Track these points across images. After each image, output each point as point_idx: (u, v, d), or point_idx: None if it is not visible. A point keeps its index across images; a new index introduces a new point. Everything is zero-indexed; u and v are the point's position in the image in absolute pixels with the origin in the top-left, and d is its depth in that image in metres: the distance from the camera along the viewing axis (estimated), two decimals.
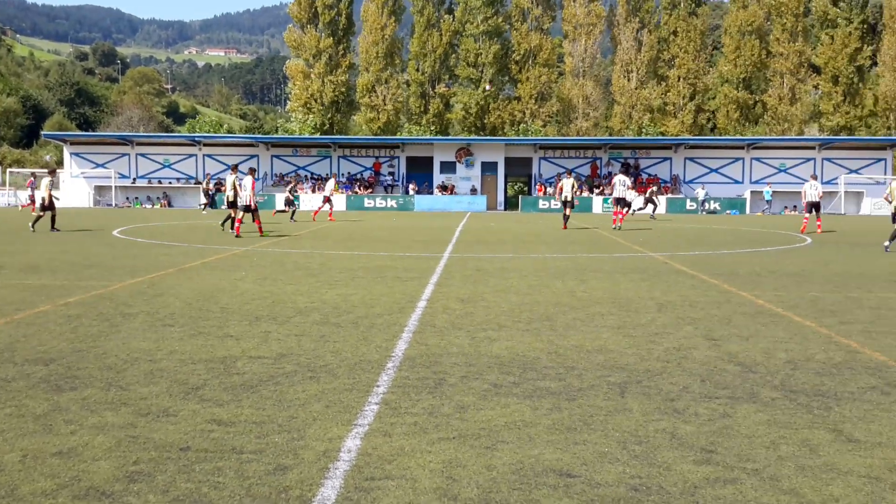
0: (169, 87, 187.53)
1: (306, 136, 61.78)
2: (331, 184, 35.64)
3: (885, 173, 54.28)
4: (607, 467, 4.29)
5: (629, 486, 4.01)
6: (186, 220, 34.45)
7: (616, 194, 29.82)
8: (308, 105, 67.73)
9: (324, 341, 7.60)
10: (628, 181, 30.77)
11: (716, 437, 4.81)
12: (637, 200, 40.58)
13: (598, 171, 55.56)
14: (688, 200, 51.86)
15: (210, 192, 45.00)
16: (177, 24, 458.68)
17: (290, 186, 37.06)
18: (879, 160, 54.67)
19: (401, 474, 4.17)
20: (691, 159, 55.55)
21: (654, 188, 43.03)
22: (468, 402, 5.57)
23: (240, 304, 9.82)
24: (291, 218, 34.22)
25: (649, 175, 55.21)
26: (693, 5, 70.11)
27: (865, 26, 68.08)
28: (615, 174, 39.74)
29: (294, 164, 56.84)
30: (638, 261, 16.28)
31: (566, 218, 29.20)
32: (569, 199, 28.78)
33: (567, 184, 28.91)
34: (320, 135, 63.89)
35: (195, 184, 55.37)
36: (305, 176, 56.02)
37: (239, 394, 5.73)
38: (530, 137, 60.90)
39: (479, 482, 4.06)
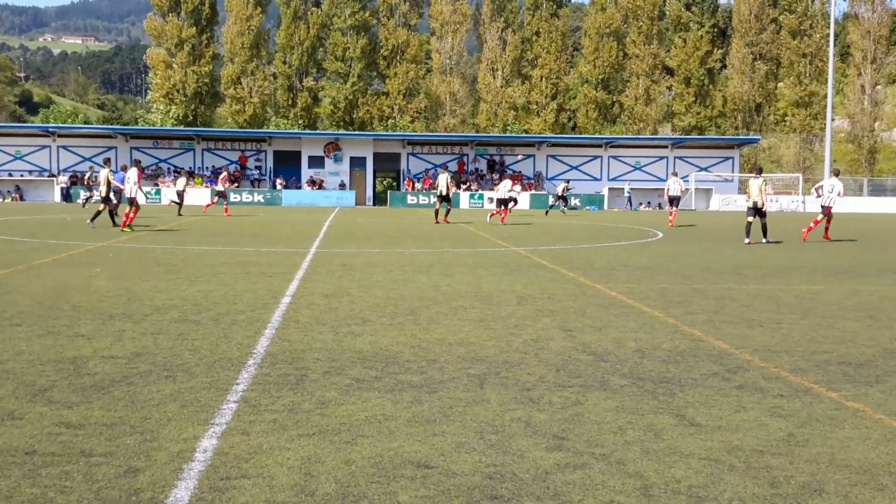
0: (22, 75, 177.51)
1: (168, 127, 59.75)
2: (221, 176, 36.42)
3: (733, 171, 57.41)
4: (464, 457, 4.38)
5: (484, 475, 4.12)
6: (44, 214, 32.70)
7: (498, 195, 31.35)
8: (170, 96, 65.50)
9: (182, 339, 7.41)
10: (510, 183, 32.37)
11: (567, 425, 4.99)
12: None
13: (466, 168, 56.27)
14: (549, 196, 53.23)
15: (92, 185, 42.85)
16: (31, 10, 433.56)
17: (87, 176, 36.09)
18: (727, 158, 57.75)
19: (258, 473, 4.14)
20: (553, 157, 57.07)
21: (567, 184, 44.43)
22: (330, 397, 5.57)
23: (93, 303, 9.43)
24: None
25: (514, 172, 56.37)
26: (554, 7, 71.95)
27: (716, 30, 71.76)
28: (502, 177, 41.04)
29: (155, 157, 54.83)
30: (501, 255, 16.63)
31: (437, 213, 29.96)
32: (443, 193, 29.67)
33: (442, 179, 29.89)
34: (183, 126, 61.94)
35: (49, 176, 52.69)
36: (168, 169, 54.19)
37: (89, 395, 5.53)
38: (399, 133, 61.05)
39: (338, 477, 4.08)
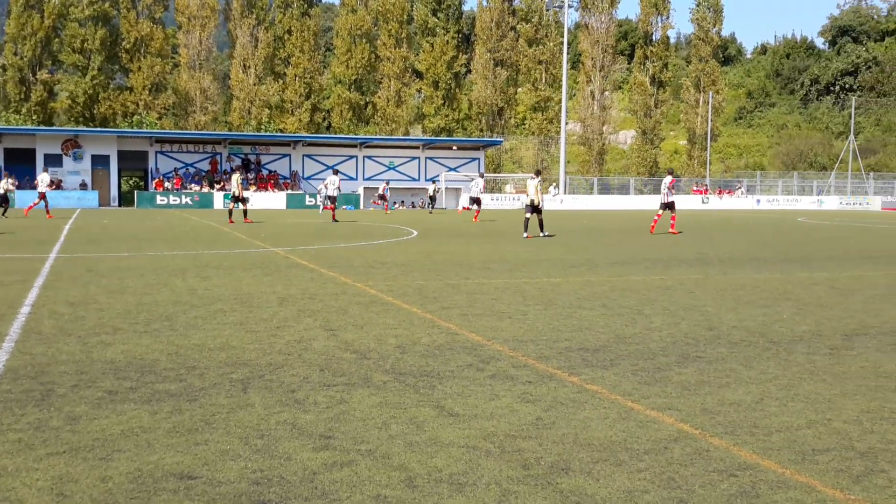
0: None
1: None
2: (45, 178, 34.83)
3: (479, 171, 60.12)
4: (229, 465, 4.33)
5: (251, 481, 4.09)
6: None
7: (472, 194, 33.81)
8: None
9: None
10: (481, 182, 33.86)
11: (333, 423, 5.07)
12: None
13: (219, 167, 54.67)
14: (307, 196, 53.05)
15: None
16: None
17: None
18: (474, 159, 60.43)
19: (4, 497, 3.84)
20: (309, 156, 56.88)
21: (387, 184, 46.62)
22: (80, 412, 5.26)
23: None
24: None
25: (270, 171, 55.58)
26: (305, 6, 71.71)
27: (461, 36, 74.75)
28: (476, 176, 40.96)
29: None
30: (260, 256, 16.38)
31: (231, 212, 31.14)
32: (237, 194, 30.61)
33: (234, 179, 30.97)
34: None
35: None
36: None
37: None
38: (145, 130, 58.17)
39: (94, 496, 3.88)
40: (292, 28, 70.17)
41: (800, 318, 9.20)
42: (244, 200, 30.94)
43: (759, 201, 66.08)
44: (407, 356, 7.03)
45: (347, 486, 4.04)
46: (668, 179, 26.40)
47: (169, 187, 51.64)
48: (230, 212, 31.36)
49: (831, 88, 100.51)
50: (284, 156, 56.35)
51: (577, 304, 10.11)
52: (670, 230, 26.33)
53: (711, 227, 31.24)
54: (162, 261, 15.29)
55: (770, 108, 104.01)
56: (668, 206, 26.10)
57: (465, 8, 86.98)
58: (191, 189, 52.50)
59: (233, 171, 32.23)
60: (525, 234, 23.26)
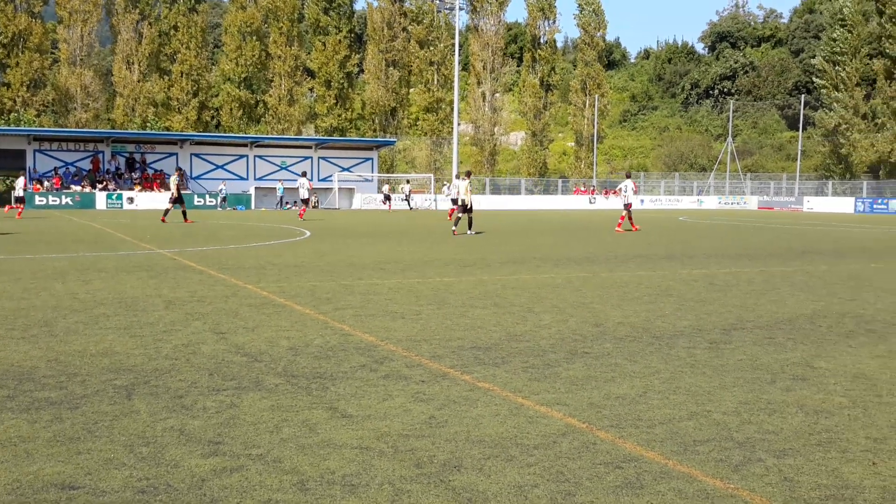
0: None
1: None
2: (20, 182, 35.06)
3: (373, 171, 60.00)
4: (113, 473, 4.19)
5: (136, 490, 3.98)
6: None
7: (453, 195, 33.79)
8: None
9: None
10: (461, 185, 34.41)
11: (223, 428, 4.98)
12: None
13: (101, 166, 52.69)
14: (195, 196, 51.77)
15: None
16: None
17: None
18: (367, 159, 60.23)
19: None
20: (197, 155, 55.47)
21: (224, 184, 45.84)
22: None
23: None
24: None
25: (155, 170, 53.97)
26: (193, 2, 69.97)
27: (353, 35, 74.36)
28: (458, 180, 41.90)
29: None
30: (145, 258, 15.90)
31: (167, 212, 31.48)
32: (175, 196, 31.12)
33: (172, 180, 31.76)
34: None
35: None
36: None
37: None
38: (23, 128, 55.58)
39: None
40: (179, 24, 68.34)
41: (681, 314, 9.57)
42: (182, 201, 31.44)
43: (642, 201, 68.23)
44: (299, 358, 6.96)
45: (237, 491, 3.98)
46: (629, 182, 28.64)
47: (47, 186, 49.44)
48: (166, 211, 31.68)
49: (710, 92, 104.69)
50: (171, 154, 54.79)
51: (469, 304, 10.22)
52: (617, 228, 28.37)
53: (598, 227, 32.07)
54: (41, 263, 14.65)
55: (653, 111, 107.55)
56: (628, 206, 28.37)
57: (357, 7, 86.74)
58: (72, 189, 50.43)
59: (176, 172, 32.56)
60: (453, 229, 24.98)
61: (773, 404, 5.65)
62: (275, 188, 53.80)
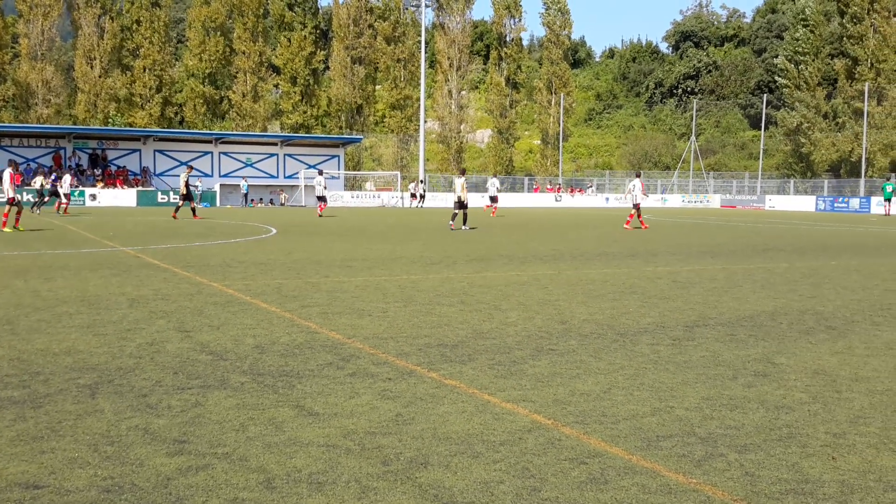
0: None
1: None
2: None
3: (339, 168, 59.81)
4: (77, 472, 4.16)
5: (101, 489, 3.95)
6: None
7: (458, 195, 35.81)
8: None
9: None
10: (458, 182, 34.93)
11: (188, 427, 4.95)
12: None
13: (63, 162, 51.92)
14: (159, 193, 51.25)
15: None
16: None
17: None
18: (334, 157, 60.03)
19: None
20: (161, 152, 54.92)
21: (194, 180, 46.12)
22: None
23: None
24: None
25: (118, 167, 53.32)
26: None
27: (318, 31, 73.95)
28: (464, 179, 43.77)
29: None
30: (109, 256, 15.72)
31: (177, 209, 32.34)
32: (184, 192, 32.00)
33: (181, 178, 32.37)
34: None
35: None
36: None
37: None
38: None
39: None
40: (141, 18, 67.54)
41: (645, 311, 9.67)
42: (190, 198, 32.44)
43: (607, 199, 68.80)
44: (266, 356, 6.93)
45: (203, 490, 3.96)
46: (638, 182, 29.25)
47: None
48: (177, 208, 32.98)
49: (674, 91, 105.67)
50: (134, 151, 54.21)
51: (436, 301, 10.25)
52: (625, 226, 29.41)
53: (564, 225, 32.28)
54: (1, 261, 14.42)
55: (617, 109, 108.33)
56: (637, 205, 29.23)
57: (323, 3, 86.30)
58: (32, 185, 49.60)
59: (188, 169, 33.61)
60: (450, 223, 26.82)
61: (734, 400, 5.74)
62: (235, 185, 53.45)
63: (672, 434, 4.93)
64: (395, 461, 4.39)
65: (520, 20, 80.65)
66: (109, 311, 9.14)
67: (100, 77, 65.60)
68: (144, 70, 67.63)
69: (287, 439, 4.74)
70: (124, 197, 50.28)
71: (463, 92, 78.30)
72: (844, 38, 73.17)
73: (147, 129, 58.18)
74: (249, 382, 6.05)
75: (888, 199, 49.59)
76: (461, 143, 77.73)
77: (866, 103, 67.04)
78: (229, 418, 5.15)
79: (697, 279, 13.12)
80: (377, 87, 76.74)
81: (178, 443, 4.66)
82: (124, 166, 53.43)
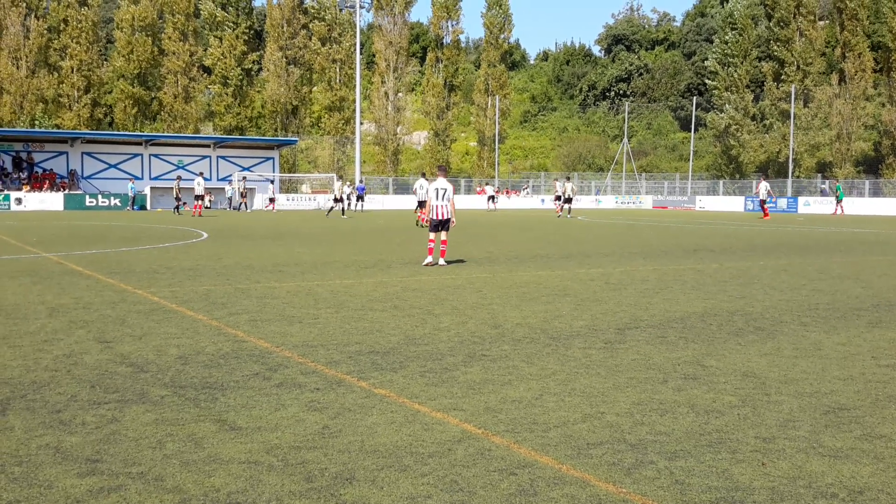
0: None
1: None
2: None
3: (274, 171, 59.04)
4: None
5: None
6: None
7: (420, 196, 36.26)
8: None
9: None
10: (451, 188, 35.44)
11: (102, 445, 4.72)
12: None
13: None
14: (87, 196, 49.90)
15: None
16: None
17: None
18: (269, 159, 59.25)
19: None
20: (89, 154, 53.50)
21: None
22: None
23: None
24: None
25: (45, 170, 51.77)
26: None
27: (252, 32, 72.86)
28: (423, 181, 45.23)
29: None
30: (29, 262, 15.16)
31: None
32: (199, 193, 36.92)
33: (196, 182, 37.27)
34: None
35: None
36: None
37: None
38: None
39: None
40: (68, 18, 65.71)
41: (577, 314, 9.67)
42: (202, 198, 38.48)
43: (543, 201, 69.30)
44: (189, 367, 6.70)
45: None
46: (570, 184, 32.50)
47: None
48: (176, 208, 39.92)
49: (607, 94, 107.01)
50: (61, 153, 52.69)
51: (368, 306, 10.09)
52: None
53: (499, 227, 32.36)
54: None
55: (552, 112, 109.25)
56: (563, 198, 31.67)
57: (256, 3, 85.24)
58: None
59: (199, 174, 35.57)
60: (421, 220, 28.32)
61: (665, 404, 5.73)
62: (171, 188, 52.22)
63: (602, 441, 4.88)
64: (319, 477, 4.24)
65: (458, 22, 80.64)
66: (27, 321, 8.78)
67: (26, 77, 63.66)
68: (72, 70, 65.82)
69: (206, 456, 4.55)
70: (51, 201, 48.84)
71: (400, 94, 78.03)
72: (772, 42, 75.01)
73: (75, 131, 56.60)
74: (170, 396, 5.82)
75: (840, 200, 51.34)
76: (398, 144, 77.42)
77: (793, 105, 68.80)
78: (146, 435, 4.93)
79: (629, 280, 13.20)
80: (313, 88, 75.93)
81: (91, 462, 4.43)
82: (51, 169, 51.91)
